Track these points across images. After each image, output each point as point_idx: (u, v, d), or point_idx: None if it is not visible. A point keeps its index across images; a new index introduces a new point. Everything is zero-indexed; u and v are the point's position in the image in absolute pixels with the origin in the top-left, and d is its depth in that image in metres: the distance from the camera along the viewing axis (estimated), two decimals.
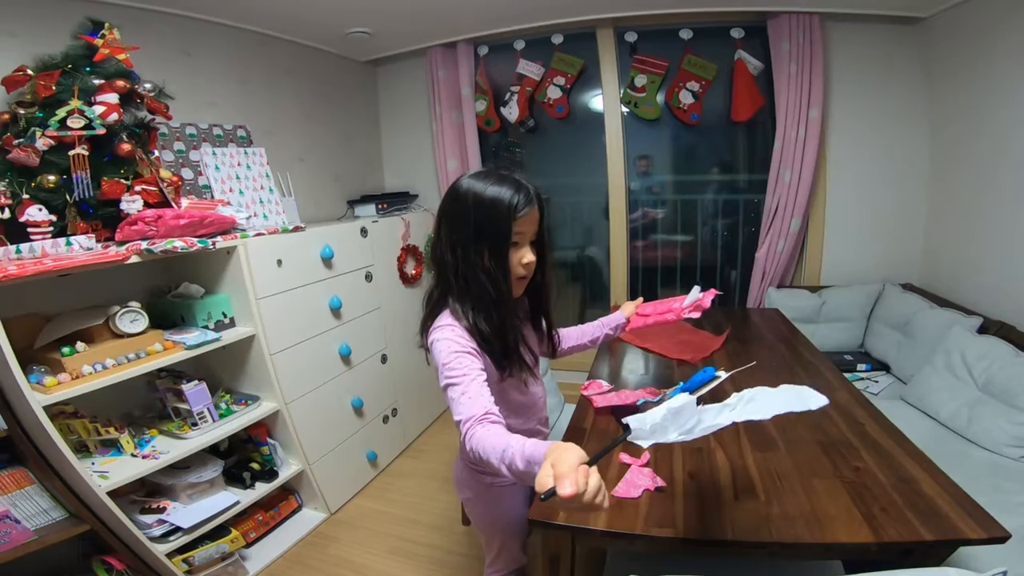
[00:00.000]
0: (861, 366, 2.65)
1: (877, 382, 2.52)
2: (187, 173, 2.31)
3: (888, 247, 3.05)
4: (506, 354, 1.10)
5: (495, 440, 0.86)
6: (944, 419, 2.05)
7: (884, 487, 1.17)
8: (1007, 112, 2.29)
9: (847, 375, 2.53)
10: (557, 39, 3.20)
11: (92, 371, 1.64)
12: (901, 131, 2.92)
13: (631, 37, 3.13)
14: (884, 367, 2.65)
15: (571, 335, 1.48)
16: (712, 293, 1.41)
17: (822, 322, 2.91)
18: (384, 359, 2.84)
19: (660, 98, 3.15)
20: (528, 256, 1.09)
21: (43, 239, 1.62)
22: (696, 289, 1.43)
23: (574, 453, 0.69)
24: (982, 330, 2.23)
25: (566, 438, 1.49)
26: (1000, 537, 1.02)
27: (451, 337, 1.04)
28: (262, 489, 2.18)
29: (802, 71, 2.80)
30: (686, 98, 3.06)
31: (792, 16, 2.77)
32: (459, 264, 1.08)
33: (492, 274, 1.06)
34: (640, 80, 3.12)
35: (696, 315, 1.41)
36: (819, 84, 2.80)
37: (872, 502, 1.12)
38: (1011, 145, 2.28)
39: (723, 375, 1.03)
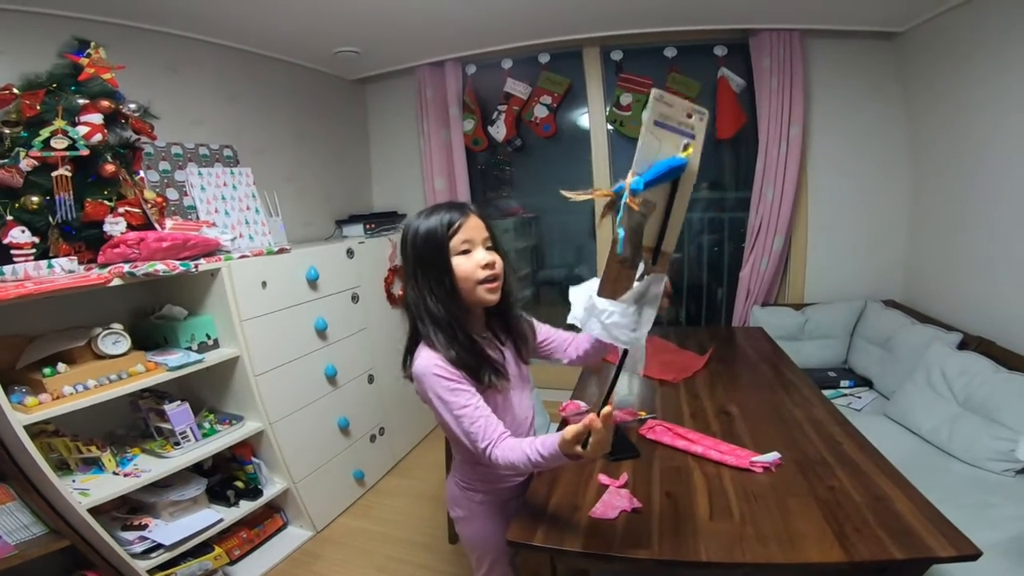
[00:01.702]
0: (844, 382, 2.66)
1: (860, 398, 2.54)
2: (172, 193, 2.32)
3: (870, 264, 3.08)
4: (478, 365, 1.14)
5: (516, 452, 1.06)
6: (926, 434, 2.07)
7: (857, 506, 1.18)
8: (982, 126, 2.33)
9: (831, 391, 2.56)
10: (544, 58, 3.24)
11: (73, 392, 1.64)
12: (881, 147, 2.96)
13: (617, 55, 3.17)
14: (867, 383, 2.66)
15: (581, 338, 1.35)
16: (778, 461, 1.39)
17: (806, 339, 2.94)
18: (371, 379, 2.83)
19: (645, 116, 3.18)
20: (486, 257, 1.13)
21: (26, 261, 1.62)
22: (774, 454, 1.39)
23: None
24: (962, 346, 2.25)
25: None
26: (970, 555, 1.03)
27: (438, 373, 1.09)
28: (246, 507, 2.18)
29: (783, 87, 2.85)
30: None
31: (773, 33, 2.82)
32: (417, 296, 1.14)
33: (439, 296, 1.12)
34: (626, 99, 3.17)
35: (759, 471, 1.37)
36: (799, 101, 2.85)
37: (845, 521, 1.13)
38: (987, 160, 2.32)
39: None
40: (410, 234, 1.14)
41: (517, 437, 1.28)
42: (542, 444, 1.03)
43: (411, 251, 1.14)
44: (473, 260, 1.12)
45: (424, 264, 1.12)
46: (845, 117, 2.97)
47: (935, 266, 2.76)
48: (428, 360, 1.10)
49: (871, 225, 3.04)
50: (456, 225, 1.11)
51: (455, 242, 1.11)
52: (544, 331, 1.41)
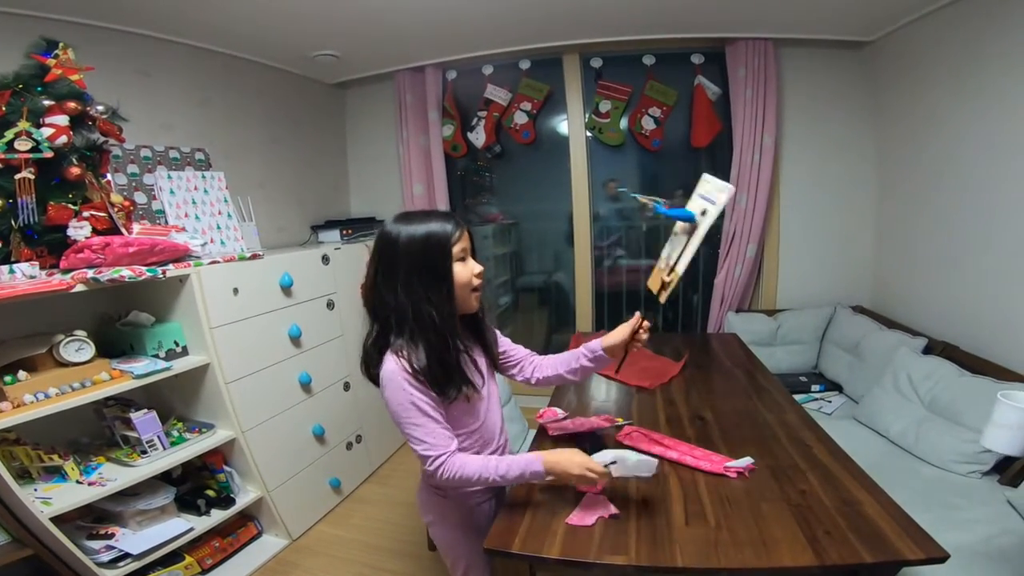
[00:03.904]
0: (815, 387, 2.71)
1: (831, 402, 2.59)
2: (140, 197, 2.26)
3: (839, 270, 3.16)
4: (448, 377, 1.15)
5: (475, 464, 1.15)
6: (894, 437, 2.11)
7: (828, 510, 1.20)
8: (945, 135, 2.40)
9: (802, 396, 2.60)
10: (524, 64, 3.26)
11: (34, 400, 1.60)
12: (849, 155, 3.04)
13: (596, 63, 3.20)
14: (837, 387, 2.72)
15: (545, 365, 1.43)
16: (751, 466, 1.40)
17: (778, 345, 2.99)
18: (347, 386, 2.79)
19: (623, 124, 3.22)
20: (478, 266, 1.20)
21: None
22: (747, 459, 1.41)
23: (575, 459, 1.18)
24: (927, 350, 2.31)
25: None
26: (938, 558, 1.05)
27: (406, 378, 1.11)
28: (218, 516, 2.13)
29: (757, 96, 2.90)
30: (648, 124, 3.14)
31: (749, 42, 2.88)
32: (401, 303, 1.13)
33: (436, 302, 1.13)
34: (605, 106, 3.19)
35: (733, 476, 1.38)
36: (772, 109, 2.91)
37: (816, 525, 1.15)
38: (949, 169, 2.39)
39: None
40: (403, 239, 1.13)
41: (487, 446, 1.31)
42: (512, 462, 1.17)
43: (404, 256, 1.12)
44: (469, 268, 1.17)
45: (422, 270, 1.12)
46: (816, 127, 3.04)
47: (901, 272, 2.83)
48: (397, 366, 1.11)
49: (840, 232, 3.12)
50: (457, 233, 1.14)
51: (456, 249, 1.14)
52: (504, 343, 1.43)
